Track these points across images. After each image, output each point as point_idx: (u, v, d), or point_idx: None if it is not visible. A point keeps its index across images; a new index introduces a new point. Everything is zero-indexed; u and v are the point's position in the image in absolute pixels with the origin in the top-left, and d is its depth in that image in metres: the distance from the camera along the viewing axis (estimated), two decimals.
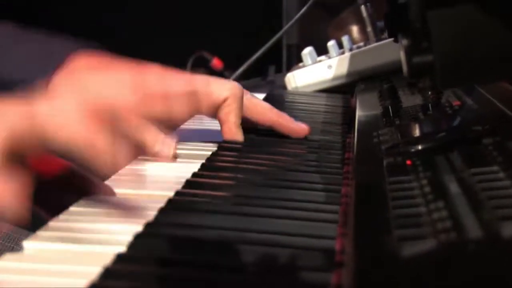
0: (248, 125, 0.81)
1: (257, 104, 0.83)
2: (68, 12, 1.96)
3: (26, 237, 0.49)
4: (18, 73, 0.83)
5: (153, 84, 0.74)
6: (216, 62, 1.64)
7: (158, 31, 1.87)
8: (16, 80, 0.83)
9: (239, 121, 0.78)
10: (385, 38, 1.15)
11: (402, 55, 0.61)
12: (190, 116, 0.78)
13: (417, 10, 0.54)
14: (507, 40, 0.55)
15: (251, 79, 1.45)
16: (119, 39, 1.76)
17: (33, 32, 0.87)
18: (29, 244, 0.47)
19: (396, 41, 0.79)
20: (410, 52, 0.57)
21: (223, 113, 0.77)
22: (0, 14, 0.90)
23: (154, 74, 0.76)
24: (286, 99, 1.13)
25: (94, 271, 0.41)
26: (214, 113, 0.78)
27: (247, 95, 0.82)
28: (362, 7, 1.20)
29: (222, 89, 0.77)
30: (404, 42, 0.59)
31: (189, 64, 1.63)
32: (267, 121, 0.82)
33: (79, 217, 0.53)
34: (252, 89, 1.31)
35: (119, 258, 0.43)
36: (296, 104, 1.09)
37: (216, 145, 0.78)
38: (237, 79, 1.32)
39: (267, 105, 0.84)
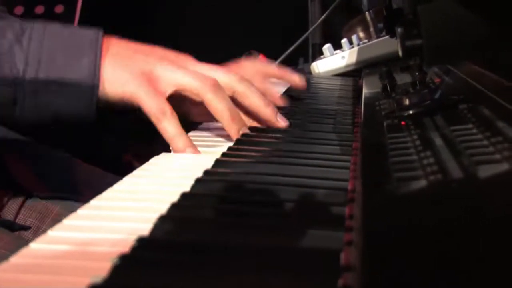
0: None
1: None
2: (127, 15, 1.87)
3: None
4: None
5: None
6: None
7: (219, 35, 1.84)
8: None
9: None
10: (383, 36, 1.12)
11: (398, 41, 0.58)
12: None
13: (410, 5, 0.51)
14: (474, 29, 0.52)
15: (286, 67, 1.44)
16: (184, 43, 1.74)
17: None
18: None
19: (392, 36, 0.76)
20: (404, 38, 0.55)
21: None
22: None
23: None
24: (312, 81, 1.11)
25: (163, 207, 0.38)
26: None
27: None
28: (367, 13, 1.18)
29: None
30: (399, 30, 0.56)
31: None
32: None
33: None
34: None
35: (184, 196, 0.40)
36: (319, 84, 1.07)
37: None
38: None
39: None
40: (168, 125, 0.56)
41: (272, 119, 0.64)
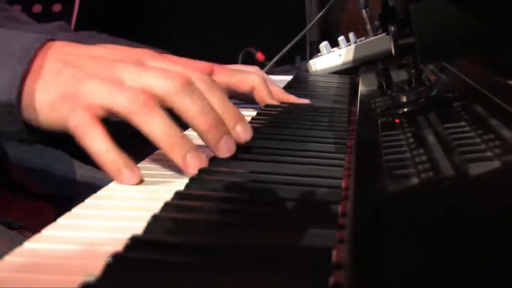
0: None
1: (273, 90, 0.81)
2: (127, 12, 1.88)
3: None
4: None
5: None
6: (259, 55, 1.62)
7: (215, 32, 1.84)
8: None
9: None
10: (380, 33, 1.12)
11: (391, 39, 0.58)
12: None
13: (402, 3, 0.51)
14: (467, 26, 0.52)
15: (284, 65, 1.44)
16: (182, 40, 1.73)
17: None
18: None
19: (388, 34, 0.75)
20: (396, 36, 0.55)
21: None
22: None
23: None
24: (309, 79, 1.12)
25: (157, 206, 0.38)
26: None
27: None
28: (363, 11, 1.17)
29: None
30: (392, 29, 0.55)
31: (240, 57, 1.61)
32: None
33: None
34: (284, 72, 1.30)
35: (178, 194, 0.40)
36: (316, 82, 1.07)
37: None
38: (273, 66, 1.31)
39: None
40: (90, 141, 0.46)
41: (212, 143, 0.51)
